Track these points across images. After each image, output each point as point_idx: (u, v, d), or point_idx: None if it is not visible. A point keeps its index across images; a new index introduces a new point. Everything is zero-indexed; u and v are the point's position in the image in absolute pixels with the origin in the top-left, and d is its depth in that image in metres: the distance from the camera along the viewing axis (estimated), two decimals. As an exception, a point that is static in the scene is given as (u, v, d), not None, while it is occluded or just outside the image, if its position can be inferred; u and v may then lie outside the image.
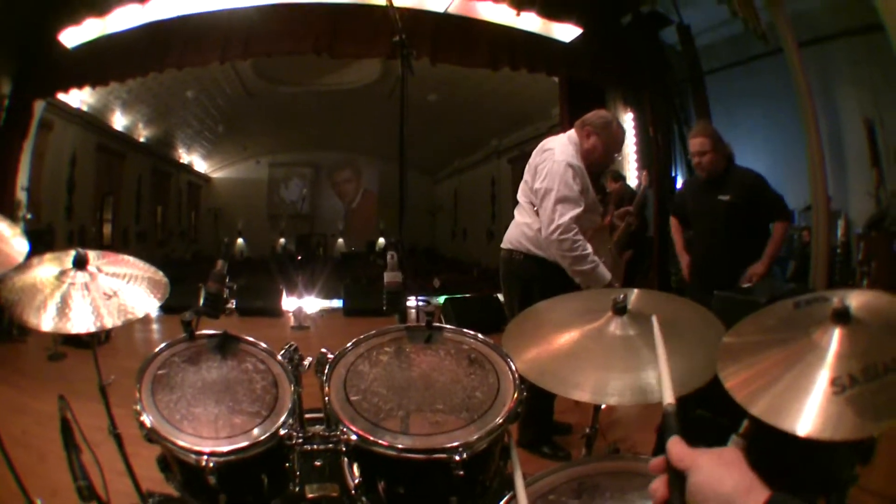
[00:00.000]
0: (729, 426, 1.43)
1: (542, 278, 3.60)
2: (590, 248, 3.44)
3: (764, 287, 3.69)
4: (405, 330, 2.07)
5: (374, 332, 2.08)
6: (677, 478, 0.89)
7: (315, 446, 2.07)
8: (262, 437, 1.82)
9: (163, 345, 2.05)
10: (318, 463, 2.31)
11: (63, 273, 2.10)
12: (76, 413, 2.10)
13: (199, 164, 17.75)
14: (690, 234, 4.63)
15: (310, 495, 2.43)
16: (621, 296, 1.76)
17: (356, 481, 1.83)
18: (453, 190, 18.55)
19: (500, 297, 7.21)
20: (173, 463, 1.92)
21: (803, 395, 1.23)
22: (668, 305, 1.88)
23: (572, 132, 3.73)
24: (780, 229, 4.26)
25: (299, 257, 16.04)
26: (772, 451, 1.49)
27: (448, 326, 2.07)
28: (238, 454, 1.78)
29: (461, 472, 1.63)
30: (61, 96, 9.87)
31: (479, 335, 2.03)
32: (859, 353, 1.26)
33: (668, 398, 1.02)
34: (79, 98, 10.78)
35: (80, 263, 2.12)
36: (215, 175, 18.44)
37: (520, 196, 3.79)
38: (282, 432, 1.86)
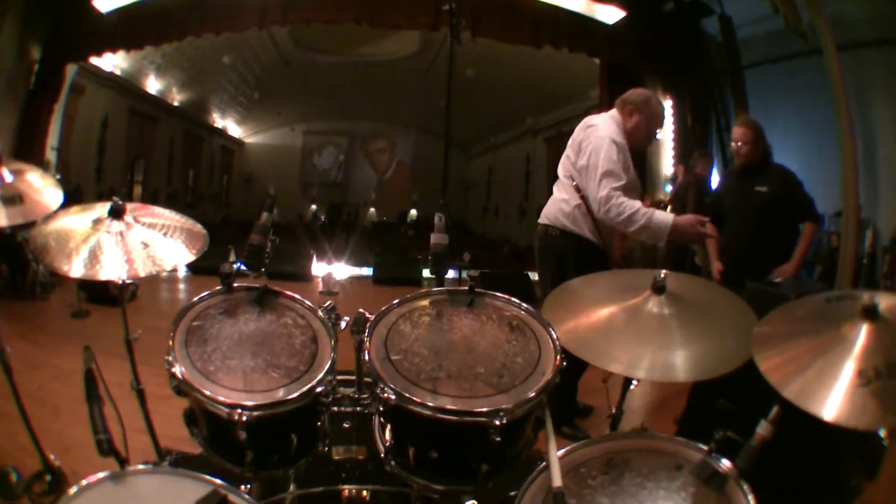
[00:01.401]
0: (749, 417, 1.46)
1: (576, 255, 3.60)
2: (637, 204, 3.40)
3: (792, 285, 3.69)
4: (447, 293, 2.04)
5: (415, 293, 2.05)
6: None
7: (344, 408, 2.10)
8: (299, 393, 1.77)
9: (200, 296, 2.02)
10: (346, 425, 2.34)
11: (98, 221, 2.08)
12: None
13: (233, 129, 17.84)
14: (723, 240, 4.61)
15: (336, 457, 2.45)
16: (661, 275, 1.79)
17: (388, 444, 1.82)
18: (487, 166, 18.46)
19: (530, 274, 7.22)
20: (201, 417, 1.87)
21: (831, 382, 1.29)
22: (703, 289, 1.92)
23: (614, 111, 3.73)
24: (810, 229, 4.30)
25: (326, 221, 16.13)
26: (781, 455, 1.53)
27: (490, 292, 2.03)
28: (271, 409, 1.74)
29: (498, 438, 1.62)
30: (94, 60, 9.91)
31: (522, 303, 2.00)
32: (885, 349, 1.32)
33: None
34: (112, 62, 10.85)
35: (117, 213, 2.10)
36: (249, 140, 18.53)
37: (560, 170, 3.79)
38: (319, 389, 1.82)
